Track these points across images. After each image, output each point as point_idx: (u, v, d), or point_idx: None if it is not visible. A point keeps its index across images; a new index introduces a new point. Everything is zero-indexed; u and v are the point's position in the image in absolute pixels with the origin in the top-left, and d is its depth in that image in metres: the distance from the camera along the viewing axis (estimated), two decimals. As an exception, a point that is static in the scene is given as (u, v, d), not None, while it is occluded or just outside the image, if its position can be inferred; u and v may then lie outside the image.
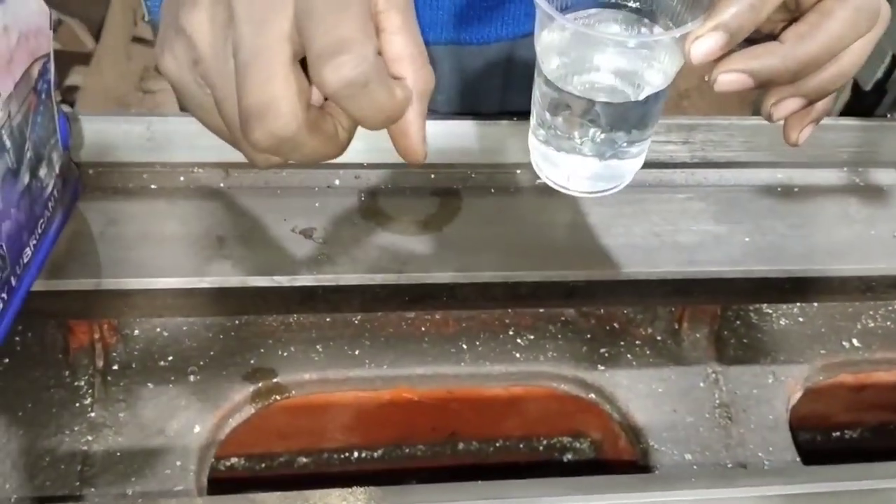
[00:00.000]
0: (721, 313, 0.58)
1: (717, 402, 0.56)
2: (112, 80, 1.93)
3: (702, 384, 0.56)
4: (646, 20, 0.42)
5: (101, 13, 1.90)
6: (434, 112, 0.69)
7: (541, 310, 0.58)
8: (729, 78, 0.38)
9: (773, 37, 0.39)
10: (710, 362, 0.57)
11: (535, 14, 0.40)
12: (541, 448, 0.70)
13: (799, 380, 0.58)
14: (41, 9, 0.41)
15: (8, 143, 0.40)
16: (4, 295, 0.42)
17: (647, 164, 0.56)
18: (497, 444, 0.69)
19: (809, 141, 0.58)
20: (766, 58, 0.38)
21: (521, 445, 0.70)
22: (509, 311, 0.58)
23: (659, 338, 0.58)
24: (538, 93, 0.43)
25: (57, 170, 0.47)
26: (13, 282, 0.43)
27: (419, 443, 0.69)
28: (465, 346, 0.57)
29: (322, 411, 0.62)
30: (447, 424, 0.67)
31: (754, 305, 0.59)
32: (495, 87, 0.68)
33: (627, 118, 0.42)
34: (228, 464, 0.66)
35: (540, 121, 0.44)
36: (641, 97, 0.41)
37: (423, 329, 0.58)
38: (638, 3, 0.42)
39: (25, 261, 0.44)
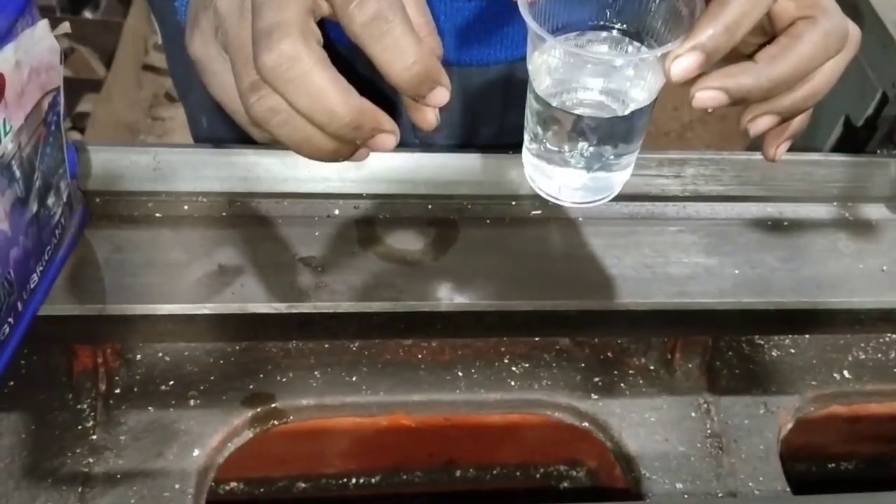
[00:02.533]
0: (713, 344, 0.59)
1: (709, 431, 0.56)
2: (122, 108, 1.96)
3: (694, 414, 0.57)
4: (631, 41, 0.44)
5: (112, 41, 1.94)
6: (434, 131, 0.71)
7: (535, 338, 0.59)
8: (706, 95, 0.41)
9: (749, 57, 0.42)
10: (703, 392, 0.58)
11: None
12: (537, 476, 0.71)
13: (790, 411, 0.58)
14: (52, 46, 0.43)
15: (18, 174, 0.42)
16: (11, 320, 0.44)
17: (639, 197, 0.57)
18: (494, 472, 0.70)
19: (799, 176, 0.59)
20: (740, 76, 0.41)
21: (518, 473, 0.70)
22: (504, 339, 0.59)
23: (652, 368, 0.59)
24: (530, 110, 0.45)
25: (65, 198, 0.48)
26: (20, 307, 0.45)
27: (416, 469, 0.69)
28: (460, 374, 0.58)
29: (320, 437, 0.63)
30: (444, 451, 0.68)
31: (746, 337, 0.60)
32: (494, 107, 0.70)
33: (614, 132, 0.44)
34: (227, 488, 0.67)
35: (532, 135, 0.46)
36: (627, 112, 0.44)
37: (419, 356, 0.59)
38: (624, 25, 0.44)
39: (32, 286, 0.46)
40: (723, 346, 0.60)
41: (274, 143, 0.44)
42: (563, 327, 0.55)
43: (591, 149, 0.45)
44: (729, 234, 0.56)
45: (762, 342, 0.61)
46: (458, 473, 0.70)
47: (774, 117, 0.43)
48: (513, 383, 0.58)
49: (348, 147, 0.42)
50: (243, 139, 0.59)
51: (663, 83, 0.42)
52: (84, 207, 0.52)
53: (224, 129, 0.68)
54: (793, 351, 0.61)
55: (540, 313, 0.53)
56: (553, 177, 0.47)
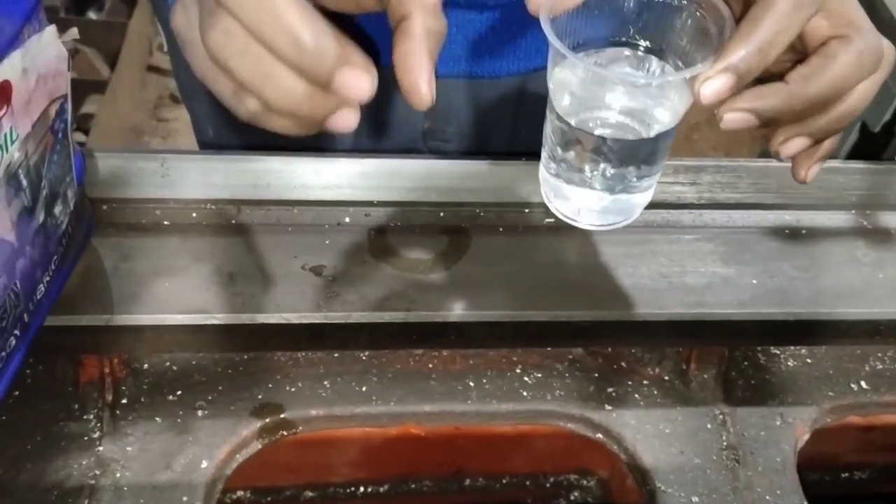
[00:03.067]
0: (729, 354, 0.58)
1: (725, 443, 0.56)
2: (127, 109, 1.96)
3: (709, 425, 0.56)
4: (655, 59, 0.43)
5: (117, 42, 1.93)
6: (445, 142, 0.70)
7: (548, 348, 0.58)
8: (735, 116, 0.40)
9: (780, 77, 0.40)
10: (718, 403, 0.57)
11: (545, 49, 0.41)
12: (547, 485, 0.70)
13: (807, 422, 0.57)
14: (60, 52, 0.41)
15: (24, 183, 0.41)
16: (17, 332, 0.43)
17: (655, 205, 0.56)
18: (503, 481, 0.69)
19: (818, 183, 0.58)
20: (770, 98, 0.40)
21: (528, 483, 0.70)
22: (517, 349, 0.58)
23: (666, 378, 0.58)
24: (550, 128, 0.44)
25: (72, 206, 0.47)
26: (26, 318, 0.44)
27: (425, 478, 0.69)
28: (472, 384, 0.57)
29: (329, 446, 0.62)
30: (453, 460, 0.67)
31: (762, 347, 0.59)
32: (506, 119, 0.69)
33: (637, 154, 0.43)
34: (235, 497, 0.66)
35: (551, 155, 0.45)
36: (651, 134, 0.42)
37: (430, 366, 0.58)
38: (648, 43, 0.43)
39: (38, 297, 0.45)
40: (738, 356, 0.59)
41: (264, 130, 0.39)
42: (578, 338, 0.54)
43: (613, 171, 0.43)
44: (746, 242, 0.55)
45: (778, 352, 0.60)
46: (467, 483, 0.69)
47: (806, 139, 0.42)
48: (525, 394, 0.57)
49: (320, 96, 0.36)
50: (250, 146, 0.58)
51: (689, 104, 0.41)
52: (91, 216, 0.51)
53: (231, 135, 0.68)
54: (809, 361, 0.60)
55: (554, 324, 0.52)
56: (572, 198, 0.46)
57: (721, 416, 0.57)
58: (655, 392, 0.57)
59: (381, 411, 0.56)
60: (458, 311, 0.51)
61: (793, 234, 0.56)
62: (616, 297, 0.52)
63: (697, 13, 0.41)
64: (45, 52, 0.40)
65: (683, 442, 0.55)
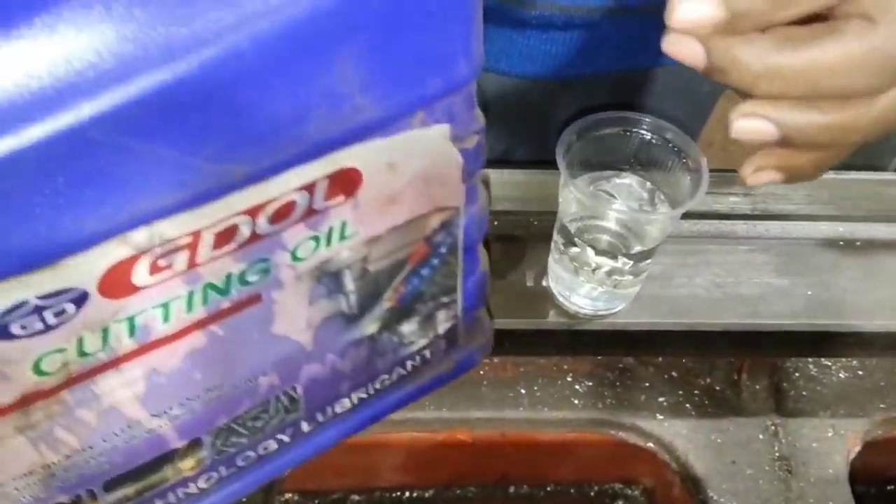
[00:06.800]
0: (780, 365, 0.58)
1: (777, 454, 0.55)
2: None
3: (761, 436, 0.56)
4: (649, 185, 0.49)
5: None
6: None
7: (598, 357, 0.59)
8: (748, 125, 0.32)
9: None
10: (770, 414, 0.57)
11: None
12: (591, 494, 0.70)
13: (859, 433, 0.57)
14: (449, 156, 0.34)
15: (350, 287, 0.35)
16: (284, 437, 0.40)
17: (709, 215, 0.57)
18: (548, 489, 0.69)
19: (871, 195, 0.58)
20: (797, 112, 0.31)
21: (573, 491, 0.70)
22: (568, 357, 0.58)
23: (718, 388, 0.58)
24: (556, 227, 0.50)
25: (440, 331, 0.42)
26: (305, 427, 0.41)
27: (470, 484, 0.69)
28: (523, 391, 0.58)
29: (376, 450, 0.63)
30: (499, 467, 0.67)
31: (813, 358, 0.59)
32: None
33: (630, 258, 0.48)
34: (283, 499, 0.67)
35: (555, 245, 0.51)
36: (643, 248, 0.48)
37: (481, 373, 0.58)
38: (645, 173, 0.49)
39: (337, 411, 0.42)
40: (789, 367, 0.59)
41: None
42: (631, 347, 0.54)
43: (608, 268, 0.49)
44: (800, 253, 0.55)
45: (829, 364, 0.60)
46: (511, 490, 0.69)
47: (782, 175, 0.35)
48: (576, 402, 0.58)
49: None
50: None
51: (677, 224, 0.49)
52: (481, 346, 0.46)
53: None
54: (860, 373, 0.60)
55: (607, 333, 0.52)
56: (572, 288, 0.51)
57: (773, 427, 0.57)
58: (707, 402, 0.57)
59: (431, 417, 0.57)
60: (511, 318, 0.51)
61: (847, 246, 0.56)
62: (670, 307, 0.52)
63: (681, 155, 0.47)
64: (431, 151, 0.33)
65: (735, 452, 0.55)
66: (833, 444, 0.56)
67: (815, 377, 0.59)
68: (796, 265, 0.55)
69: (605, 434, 0.58)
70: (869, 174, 0.58)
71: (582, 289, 0.51)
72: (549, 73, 0.63)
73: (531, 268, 0.54)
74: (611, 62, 0.62)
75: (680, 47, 0.31)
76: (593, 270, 0.49)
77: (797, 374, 0.59)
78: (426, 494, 0.69)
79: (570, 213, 0.48)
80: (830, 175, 0.58)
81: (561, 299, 0.52)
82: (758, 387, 0.57)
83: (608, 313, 0.52)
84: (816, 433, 0.57)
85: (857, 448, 0.57)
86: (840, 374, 0.59)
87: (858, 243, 0.57)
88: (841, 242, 0.56)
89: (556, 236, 0.50)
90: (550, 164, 0.57)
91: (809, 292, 0.53)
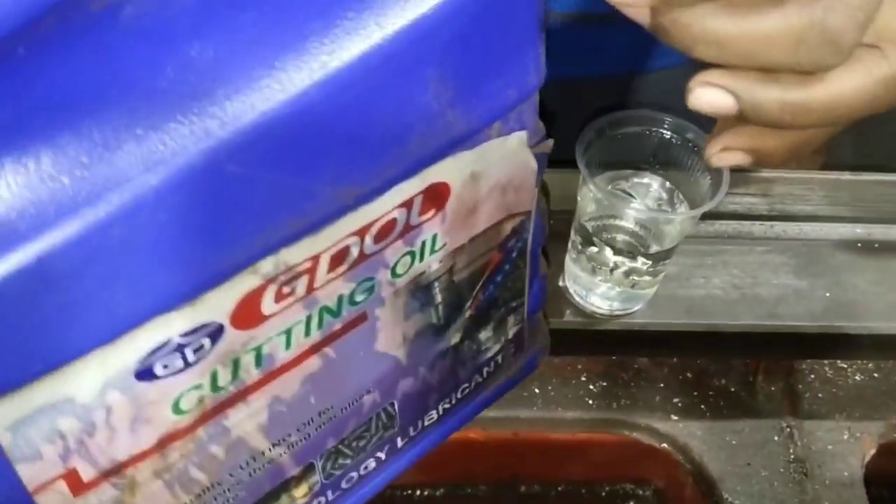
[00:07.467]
0: (796, 367, 0.58)
1: (792, 456, 0.55)
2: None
3: (776, 438, 0.56)
4: (669, 185, 0.49)
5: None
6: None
7: (613, 357, 0.58)
8: (705, 93, 0.30)
9: None
10: (785, 416, 0.57)
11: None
12: (603, 494, 0.70)
13: (874, 436, 0.57)
14: (525, 163, 0.34)
15: (438, 298, 0.36)
16: (381, 455, 0.40)
17: (726, 216, 0.57)
18: (559, 488, 0.69)
19: (890, 196, 0.58)
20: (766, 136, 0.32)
21: (584, 490, 0.70)
22: (583, 357, 0.58)
23: (733, 389, 0.57)
24: (574, 226, 0.49)
25: (510, 335, 0.42)
26: (399, 442, 0.41)
27: (481, 483, 0.69)
28: (537, 391, 0.58)
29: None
30: (510, 466, 0.67)
31: (829, 360, 0.59)
32: None
33: (647, 259, 0.48)
34: (294, 497, 0.67)
35: (573, 245, 0.50)
36: (661, 248, 0.48)
37: (495, 372, 0.58)
38: (664, 172, 0.49)
39: (426, 423, 0.41)
40: (805, 369, 0.58)
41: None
42: (647, 347, 0.54)
43: (626, 268, 0.48)
44: (818, 254, 0.55)
45: (845, 366, 0.59)
46: (522, 489, 0.69)
47: (748, 157, 0.33)
48: (590, 402, 0.57)
49: None
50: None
51: (694, 226, 0.48)
52: (544, 346, 0.46)
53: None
54: (876, 375, 0.59)
55: (623, 332, 0.52)
56: (589, 287, 0.51)
57: (788, 429, 0.56)
58: (722, 403, 0.57)
59: (445, 415, 0.57)
60: (529, 317, 0.51)
61: (865, 248, 0.56)
62: (687, 307, 0.52)
63: (701, 155, 0.46)
64: (509, 159, 0.34)
65: (750, 453, 0.55)
66: (848, 446, 0.56)
67: (831, 379, 0.58)
68: (814, 266, 0.54)
69: (619, 434, 0.58)
70: (888, 175, 0.57)
71: (599, 289, 0.51)
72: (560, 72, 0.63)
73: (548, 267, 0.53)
74: (599, 65, 0.61)
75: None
76: (611, 270, 0.49)
77: (813, 376, 0.58)
78: (437, 493, 0.69)
79: (588, 212, 0.48)
80: (849, 176, 0.58)
81: (577, 299, 0.52)
82: (773, 388, 0.57)
83: (624, 314, 0.51)
84: (832, 435, 0.56)
85: (873, 450, 0.57)
86: (856, 377, 0.59)
87: (877, 245, 0.56)
88: (859, 244, 0.56)
89: (573, 235, 0.50)
90: (568, 163, 0.57)
91: (827, 294, 0.53)
